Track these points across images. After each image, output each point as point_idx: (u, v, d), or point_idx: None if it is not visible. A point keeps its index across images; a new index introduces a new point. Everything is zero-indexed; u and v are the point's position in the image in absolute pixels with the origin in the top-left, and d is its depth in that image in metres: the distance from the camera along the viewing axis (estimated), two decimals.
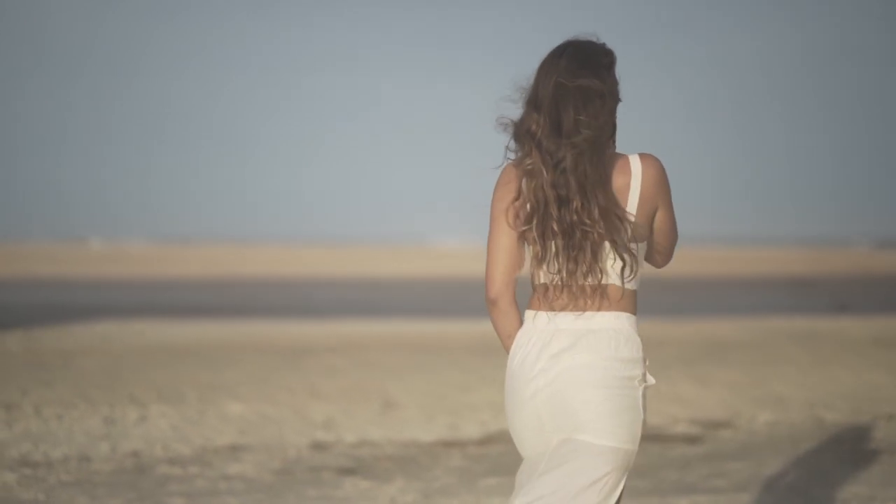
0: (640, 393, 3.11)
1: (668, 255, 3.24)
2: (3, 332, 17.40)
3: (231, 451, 7.81)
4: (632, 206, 3.09)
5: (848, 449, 7.96)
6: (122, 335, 17.25)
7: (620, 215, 3.08)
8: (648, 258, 3.22)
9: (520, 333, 3.15)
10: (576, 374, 3.09)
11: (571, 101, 3.08)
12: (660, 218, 3.15)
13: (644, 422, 3.12)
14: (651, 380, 3.14)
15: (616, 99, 3.13)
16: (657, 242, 3.19)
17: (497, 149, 3.21)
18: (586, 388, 3.08)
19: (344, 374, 12.24)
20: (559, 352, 3.10)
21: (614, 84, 3.14)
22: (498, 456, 7.76)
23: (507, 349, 3.18)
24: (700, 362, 13.33)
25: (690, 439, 8.42)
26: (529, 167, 3.08)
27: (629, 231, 3.09)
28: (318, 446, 8.06)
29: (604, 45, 3.17)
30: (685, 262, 59.73)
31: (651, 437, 8.46)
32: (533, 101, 3.10)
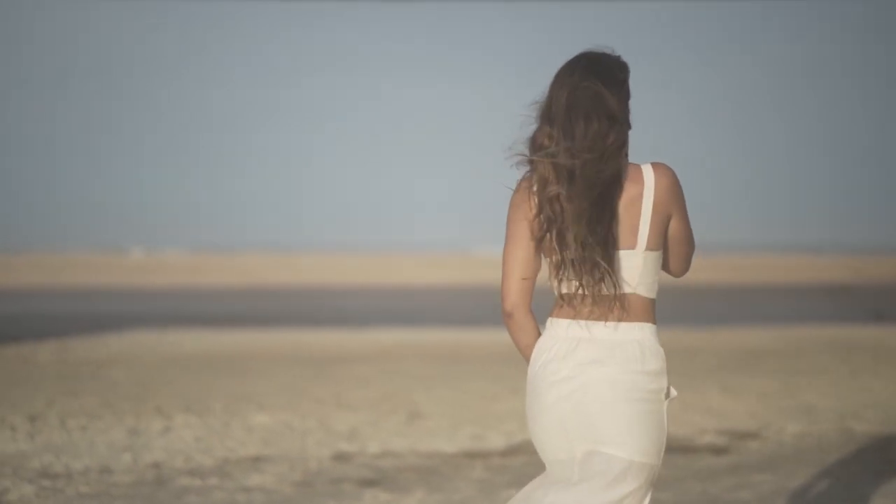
0: (665, 407, 3.15)
1: (686, 264, 3.26)
2: (37, 343, 17.51)
3: (252, 463, 7.78)
4: (645, 215, 3.12)
5: (877, 461, 7.84)
6: (156, 345, 17.31)
7: (607, 227, 3.09)
8: (665, 267, 3.23)
9: (542, 339, 3.18)
10: (604, 387, 3.11)
11: (583, 113, 3.10)
12: (674, 227, 3.17)
13: (665, 437, 3.16)
14: (674, 392, 3.19)
15: (628, 111, 3.15)
16: (673, 251, 3.21)
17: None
18: (615, 402, 3.11)
19: (373, 383, 12.21)
20: (586, 362, 3.12)
21: (627, 97, 3.17)
22: (520, 467, 7.70)
23: (526, 359, 3.22)
24: (732, 372, 13.20)
25: (717, 450, 8.32)
26: (544, 181, 3.11)
27: (615, 244, 3.10)
28: (341, 457, 8.03)
29: (619, 57, 3.19)
30: (722, 270, 59.46)
31: (677, 447, 8.36)
32: (546, 115, 3.13)
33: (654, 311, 3.18)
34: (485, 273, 52.22)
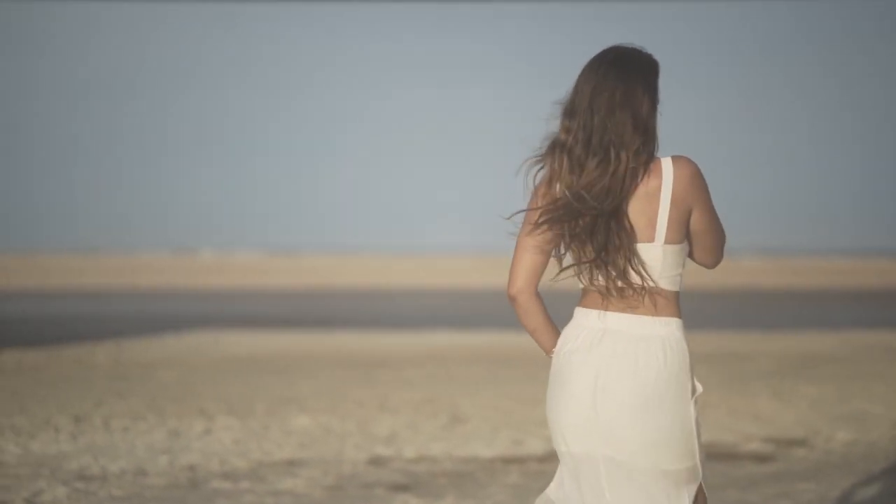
0: (693, 405, 3.12)
1: (716, 255, 3.23)
2: (95, 344, 17.67)
3: (287, 466, 7.75)
4: (664, 208, 3.09)
5: None
6: (210, 347, 17.40)
7: (628, 225, 3.09)
8: (694, 258, 3.22)
9: (568, 327, 3.20)
10: (628, 393, 3.09)
11: (606, 108, 3.07)
12: (696, 219, 3.14)
13: (699, 434, 3.15)
14: (699, 388, 3.16)
15: (653, 107, 3.11)
16: (699, 243, 3.19)
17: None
18: (640, 410, 3.09)
19: (417, 386, 12.15)
20: (611, 357, 3.11)
21: (655, 96, 3.12)
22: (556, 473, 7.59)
23: (539, 343, 3.24)
24: (786, 377, 12.97)
25: (761, 458, 8.15)
26: (557, 175, 3.11)
27: (632, 239, 3.10)
28: (376, 461, 7.97)
29: (649, 55, 3.16)
30: (788, 273, 58.65)
31: (719, 454, 8.21)
32: (569, 109, 3.12)
33: (679, 304, 3.16)
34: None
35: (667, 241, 3.10)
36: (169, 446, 8.44)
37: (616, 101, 3.07)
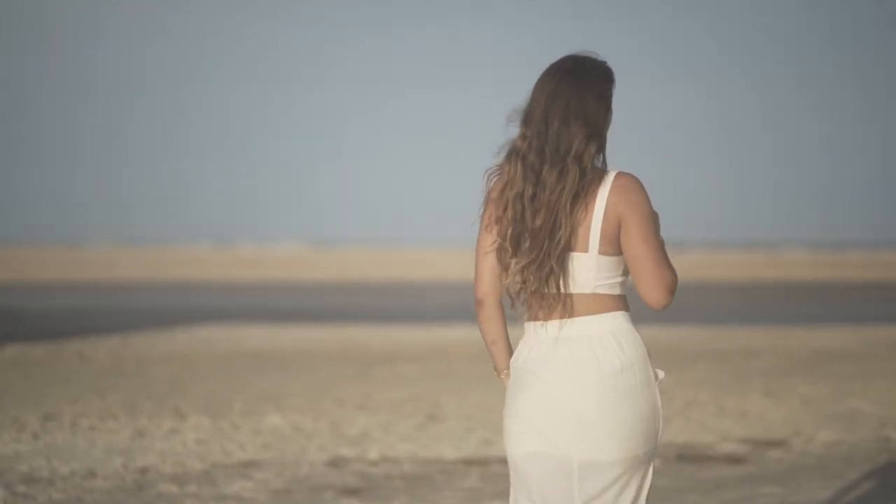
0: (656, 392, 3.18)
1: (652, 286, 3.14)
2: (102, 338, 17.64)
3: (242, 468, 7.59)
4: (597, 219, 3.13)
5: None
6: (218, 341, 17.31)
7: (566, 234, 3.11)
8: (636, 286, 3.22)
9: (521, 342, 3.24)
10: (590, 389, 3.13)
11: (560, 116, 3.12)
12: (625, 233, 3.12)
13: (661, 417, 3.21)
14: (661, 374, 3.21)
15: (607, 117, 3.14)
16: (631, 268, 3.15)
17: None
18: (620, 405, 3.13)
19: (407, 384, 11.97)
20: (572, 361, 3.14)
21: (608, 104, 3.16)
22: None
23: (492, 356, 3.28)
24: (787, 375, 12.67)
25: (733, 460, 7.90)
26: (511, 182, 3.15)
27: (563, 245, 3.12)
28: (335, 463, 7.79)
29: (604, 63, 3.19)
30: (831, 266, 57.98)
31: (690, 456, 7.97)
32: (526, 117, 3.17)
33: (624, 301, 3.19)
34: None
35: (601, 252, 3.13)
36: (128, 447, 8.30)
37: (570, 111, 3.12)
